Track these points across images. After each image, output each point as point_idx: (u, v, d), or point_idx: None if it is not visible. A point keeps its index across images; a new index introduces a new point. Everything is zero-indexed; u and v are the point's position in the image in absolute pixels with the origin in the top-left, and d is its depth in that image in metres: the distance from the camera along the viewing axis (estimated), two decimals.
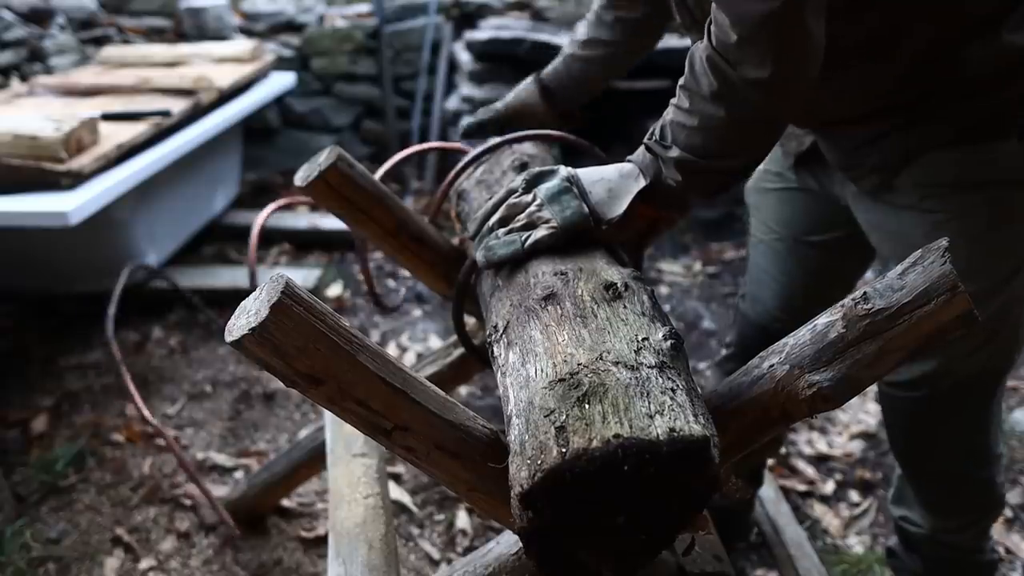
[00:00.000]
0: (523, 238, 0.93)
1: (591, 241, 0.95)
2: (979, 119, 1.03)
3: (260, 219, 1.37)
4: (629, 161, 1.04)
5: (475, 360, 1.29)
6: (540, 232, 0.93)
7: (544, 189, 0.97)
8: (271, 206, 1.41)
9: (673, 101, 0.97)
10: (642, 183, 0.99)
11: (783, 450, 2.09)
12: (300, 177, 1.02)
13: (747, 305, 1.51)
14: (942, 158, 1.05)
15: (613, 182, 1.00)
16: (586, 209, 0.95)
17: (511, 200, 0.98)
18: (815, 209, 1.33)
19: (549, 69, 1.40)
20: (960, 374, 1.18)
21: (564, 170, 1.00)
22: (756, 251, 1.48)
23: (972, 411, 1.25)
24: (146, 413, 1.66)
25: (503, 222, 0.97)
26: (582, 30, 1.37)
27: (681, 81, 0.95)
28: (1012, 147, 1.02)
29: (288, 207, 1.59)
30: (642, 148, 1.02)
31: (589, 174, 1.01)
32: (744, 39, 0.83)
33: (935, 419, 1.24)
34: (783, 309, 1.43)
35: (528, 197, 0.98)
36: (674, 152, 0.94)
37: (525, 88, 1.40)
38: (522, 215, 0.96)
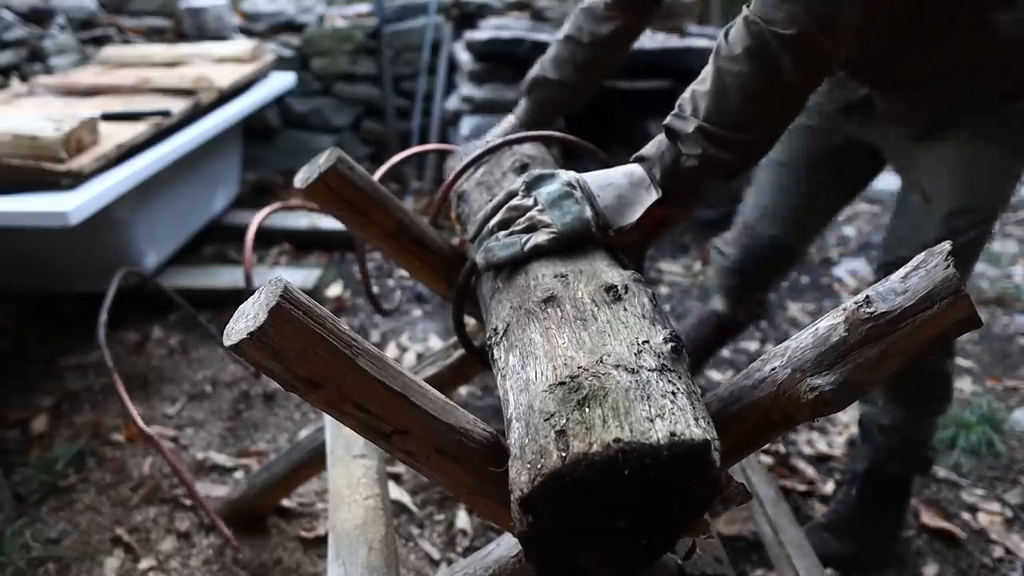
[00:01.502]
0: (523, 241, 0.93)
1: (592, 244, 0.95)
2: (1010, 85, 1.25)
3: (255, 223, 1.36)
4: (637, 160, 1.04)
5: (476, 361, 1.28)
6: (540, 236, 0.93)
7: (545, 193, 0.97)
8: (265, 210, 1.41)
9: (694, 82, 1.04)
10: (653, 196, 1.00)
11: (783, 450, 2.09)
12: (300, 179, 1.02)
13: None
14: (980, 116, 1.30)
15: (623, 189, 1.00)
16: (587, 214, 0.95)
17: (512, 203, 0.98)
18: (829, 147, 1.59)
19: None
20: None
21: (564, 174, 1.00)
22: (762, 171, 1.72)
23: None
24: (139, 421, 1.65)
25: (503, 225, 0.97)
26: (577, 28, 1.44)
27: (711, 59, 1.03)
28: None
29: (288, 207, 1.59)
30: (659, 136, 1.04)
31: (597, 178, 1.01)
32: None
33: None
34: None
35: (528, 200, 0.98)
36: (693, 123, 0.99)
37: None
38: (522, 218, 0.96)
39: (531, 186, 0.99)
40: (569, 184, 0.98)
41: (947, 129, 1.33)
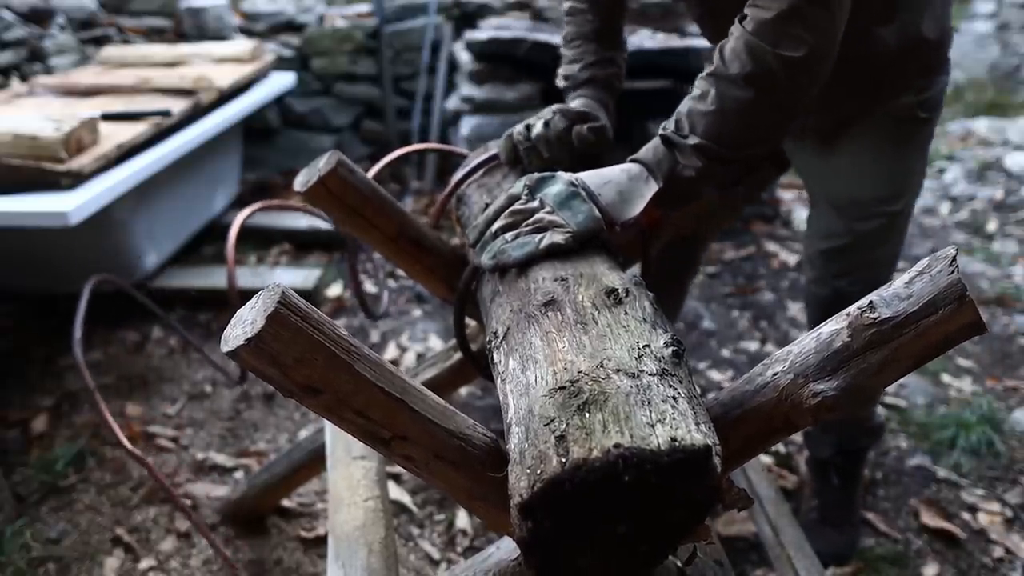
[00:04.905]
0: (537, 240, 0.93)
1: (601, 243, 0.96)
2: (890, 88, 1.29)
3: (235, 226, 1.36)
4: (635, 161, 1.04)
5: (475, 369, 1.27)
6: (556, 236, 0.93)
7: (552, 195, 0.97)
8: (245, 211, 1.40)
9: (690, 95, 1.02)
10: (654, 187, 1.01)
11: (783, 450, 2.09)
12: (299, 182, 1.02)
13: None
14: (869, 118, 1.33)
15: (623, 185, 1.01)
16: (597, 213, 0.95)
17: (516, 207, 0.98)
18: None
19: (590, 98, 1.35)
20: (881, 279, 1.44)
21: (565, 175, 1.00)
22: None
23: None
24: (124, 441, 1.63)
25: (509, 228, 0.97)
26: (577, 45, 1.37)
27: (703, 73, 1.01)
28: (908, 99, 1.30)
29: (286, 207, 1.59)
30: (654, 142, 1.04)
31: (594, 177, 1.01)
32: (785, 15, 0.93)
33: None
34: None
35: (534, 203, 0.97)
36: (692, 140, 0.99)
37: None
38: (531, 219, 0.96)
39: (534, 188, 0.99)
40: (572, 184, 0.99)
41: (841, 134, 1.35)
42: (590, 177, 1.01)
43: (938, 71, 1.32)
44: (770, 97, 0.98)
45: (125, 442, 1.55)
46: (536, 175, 1.01)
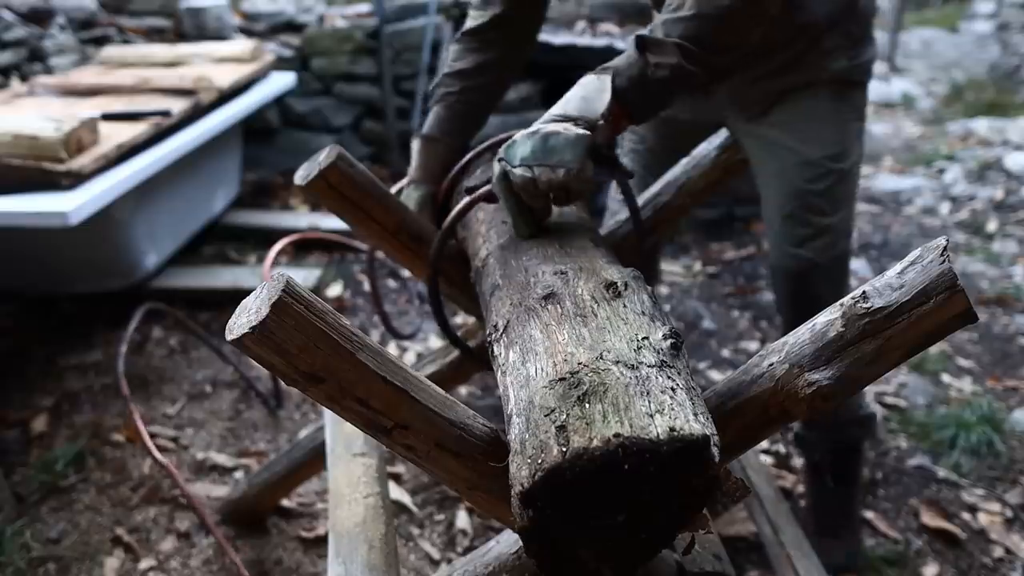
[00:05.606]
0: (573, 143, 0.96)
1: (598, 141, 0.99)
2: (817, 57, 1.38)
3: (269, 259, 1.37)
4: (600, 71, 1.06)
5: (451, 342, 1.27)
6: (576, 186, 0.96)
7: (528, 155, 0.98)
8: (280, 244, 1.41)
9: (664, 13, 1.05)
10: (608, 75, 1.03)
11: (783, 450, 2.09)
12: (300, 176, 1.02)
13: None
14: (801, 95, 1.42)
15: (583, 89, 1.04)
16: (572, 132, 0.97)
17: (551, 128, 0.99)
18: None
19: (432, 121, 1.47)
20: (839, 248, 1.53)
21: (520, 132, 1.02)
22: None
23: (843, 272, 1.58)
24: (157, 455, 1.64)
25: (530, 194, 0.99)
26: (456, 63, 1.45)
27: None
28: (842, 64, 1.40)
29: (287, 206, 1.60)
30: (624, 54, 1.06)
31: (556, 107, 1.04)
32: None
33: (817, 283, 1.53)
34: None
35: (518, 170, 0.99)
36: (671, 40, 1.02)
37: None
38: (548, 180, 0.97)
39: (507, 160, 1.01)
40: (532, 132, 1.00)
41: (783, 101, 1.43)
42: (553, 109, 1.03)
43: (866, 41, 1.44)
44: (747, 5, 1.03)
45: (158, 455, 1.58)
46: (501, 152, 1.02)
